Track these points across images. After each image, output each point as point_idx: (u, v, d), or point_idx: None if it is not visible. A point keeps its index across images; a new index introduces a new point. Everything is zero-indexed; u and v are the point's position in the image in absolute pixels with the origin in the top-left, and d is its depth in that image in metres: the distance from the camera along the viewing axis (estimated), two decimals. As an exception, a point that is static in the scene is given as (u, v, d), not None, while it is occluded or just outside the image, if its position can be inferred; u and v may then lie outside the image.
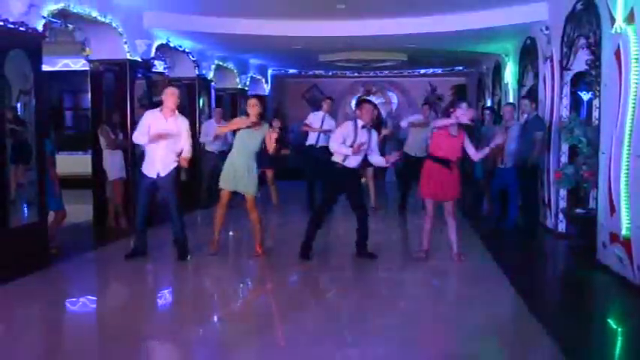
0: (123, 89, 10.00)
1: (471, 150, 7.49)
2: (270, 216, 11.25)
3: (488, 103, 15.14)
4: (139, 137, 7.65)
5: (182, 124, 7.68)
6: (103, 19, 9.19)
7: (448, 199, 7.56)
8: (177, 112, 7.68)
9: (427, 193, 7.58)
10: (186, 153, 7.67)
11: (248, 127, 7.66)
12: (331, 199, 7.84)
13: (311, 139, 11.45)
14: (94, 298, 6.73)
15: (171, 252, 8.02)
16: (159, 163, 7.60)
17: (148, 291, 7.00)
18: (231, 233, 9.67)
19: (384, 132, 11.26)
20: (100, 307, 6.45)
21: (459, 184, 7.54)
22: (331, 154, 7.78)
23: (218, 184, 7.91)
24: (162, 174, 7.61)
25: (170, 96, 7.60)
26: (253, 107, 7.75)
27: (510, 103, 10.99)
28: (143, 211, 7.75)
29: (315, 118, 11.47)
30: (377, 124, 11.36)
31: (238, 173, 7.72)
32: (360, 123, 7.63)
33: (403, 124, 11.58)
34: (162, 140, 7.51)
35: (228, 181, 7.80)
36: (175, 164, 7.70)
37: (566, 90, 9.16)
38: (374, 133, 7.77)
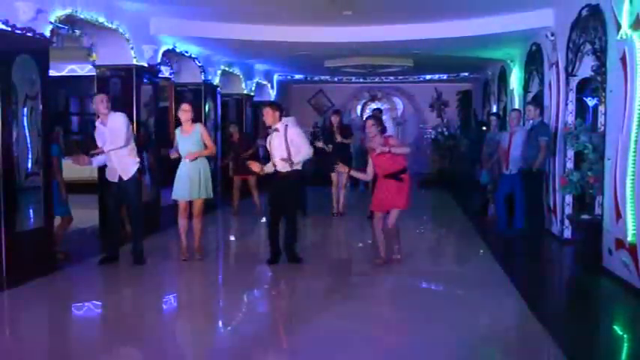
0: (129, 94, 10.04)
1: (399, 149, 7.53)
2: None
3: (494, 109, 15.14)
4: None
5: (116, 119, 7.65)
6: (109, 25, 9.23)
7: (394, 208, 7.59)
8: (110, 112, 7.66)
9: (375, 207, 7.73)
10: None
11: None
12: (271, 203, 7.93)
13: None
14: (100, 302, 6.75)
15: (176, 256, 8.04)
16: (117, 167, 7.66)
17: (153, 295, 7.00)
18: (232, 238, 9.68)
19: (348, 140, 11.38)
20: (105, 311, 6.47)
21: (407, 194, 7.57)
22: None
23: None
24: (125, 177, 7.67)
25: (99, 103, 7.63)
26: (185, 113, 7.85)
27: (516, 109, 10.99)
28: (112, 216, 7.91)
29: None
30: (343, 129, 11.58)
31: (189, 180, 7.79)
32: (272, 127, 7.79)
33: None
34: (108, 146, 7.57)
35: (181, 192, 7.88)
36: (137, 167, 7.74)
37: (572, 96, 9.15)
38: (290, 132, 7.68)
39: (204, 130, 7.99)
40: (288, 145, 7.62)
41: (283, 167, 7.66)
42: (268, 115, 7.76)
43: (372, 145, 7.58)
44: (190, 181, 7.79)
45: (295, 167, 7.69)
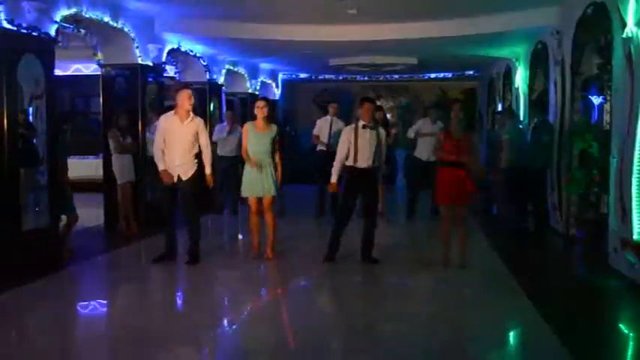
0: (134, 93, 10.06)
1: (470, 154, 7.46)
2: (278, 220, 11.31)
3: (499, 108, 15.13)
4: (157, 147, 7.61)
5: (198, 124, 7.64)
6: (115, 24, 9.26)
7: (461, 203, 7.52)
8: (192, 113, 7.60)
9: (442, 199, 7.54)
10: (207, 161, 7.67)
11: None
12: (348, 200, 7.79)
13: (321, 145, 11.40)
14: (106, 301, 6.77)
15: (185, 255, 8.05)
16: (178, 168, 7.56)
17: (159, 294, 7.02)
18: (240, 237, 9.69)
19: (393, 130, 11.18)
20: (111, 310, 6.49)
21: (471, 185, 7.47)
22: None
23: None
24: (183, 178, 7.59)
25: (187, 99, 7.49)
26: (262, 109, 7.80)
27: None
28: (168, 215, 7.75)
29: (323, 123, 11.46)
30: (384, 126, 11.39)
31: (256, 178, 7.77)
32: (360, 123, 7.66)
33: (410, 134, 11.46)
34: (178, 146, 7.48)
35: (249, 189, 7.87)
36: (195, 168, 7.67)
37: (577, 94, 9.13)
38: (381, 132, 7.75)
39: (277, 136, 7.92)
40: (379, 144, 7.62)
41: (367, 165, 7.60)
42: (370, 112, 7.65)
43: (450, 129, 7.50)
44: (261, 178, 7.76)
45: (376, 164, 7.68)
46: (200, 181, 7.75)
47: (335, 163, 7.73)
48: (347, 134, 7.69)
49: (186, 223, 7.82)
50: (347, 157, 7.65)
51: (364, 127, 7.61)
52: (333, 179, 7.73)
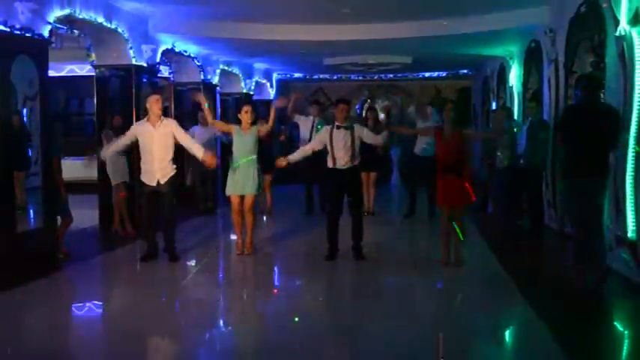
0: (128, 94, 10.04)
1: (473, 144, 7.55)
2: (265, 219, 11.43)
3: (493, 106, 15.15)
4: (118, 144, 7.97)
5: (171, 125, 7.79)
6: (108, 25, 9.24)
7: (459, 204, 7.54)
8: (162, 117, 7.79)
9: (442, 201, 7.60)
10: (200, 153, 7.82)
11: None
12: (333, 202, 7.96)
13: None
14: (101, 302, 6.76)
15: (179, 255, 8.04)
16: (158, 172, 7.68)
17: (154, 294, 7.00)
18: (233, 237, 9.68)
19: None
20: (107, 311, 6.48)
21: (467, 189, 7.49)
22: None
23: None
24: (162, 181, 7.70)
25: (155, 103, 7.65)
26: (248, 114, 8.12)
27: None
28: (148, 216, 7.90)
29: (305, 122, 11.49)
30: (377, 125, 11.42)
31: (240, 177, 8.00)
32: (335, 124, 7.86)
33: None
34: (155, 150, 7.62)
35: (232, 187, 8.10)
36: (174, 171, 7.80)
37: (571, 92, 9.14)
38: (357, 128, 7.88)
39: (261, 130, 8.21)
40: (353, 143, 7.78)
41: (345, 164, 7.76)
42: (345, 112, 7.84)
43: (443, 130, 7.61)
44: (243, 177, 7.99)
45: (355, 163, 7.85)
46: (177, 184, 7.97)
47: (299, 150, 8.25)
48: (323, 135, 7.97)
49: (165, 224, 7.93)
50: (327, 160, 7.89)
51: (338, 127, 7.81)
52: (289, 159, 7.98)
